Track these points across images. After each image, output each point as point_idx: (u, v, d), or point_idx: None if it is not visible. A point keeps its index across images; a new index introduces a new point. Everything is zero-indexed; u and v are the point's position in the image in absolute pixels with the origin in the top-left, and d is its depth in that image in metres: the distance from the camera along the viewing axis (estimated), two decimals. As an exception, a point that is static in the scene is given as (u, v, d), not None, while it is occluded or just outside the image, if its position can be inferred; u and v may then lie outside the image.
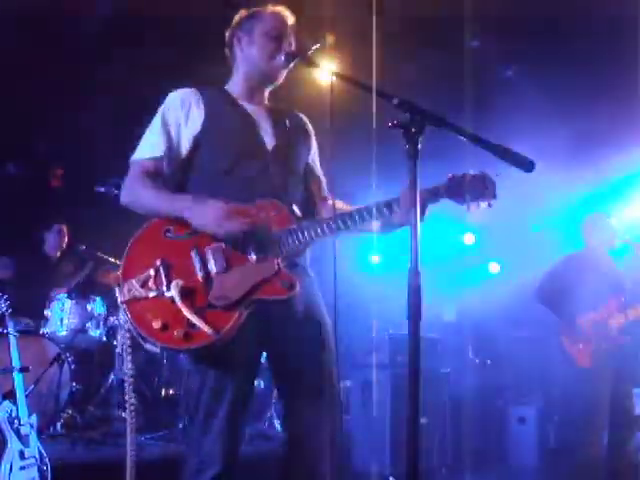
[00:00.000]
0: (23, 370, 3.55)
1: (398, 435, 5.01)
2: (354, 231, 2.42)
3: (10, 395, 3.39)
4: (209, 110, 2.39)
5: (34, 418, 3.45)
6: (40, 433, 3.83)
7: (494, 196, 2.21)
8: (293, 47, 2.44)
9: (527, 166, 1.85)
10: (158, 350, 2.19)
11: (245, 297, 2.17)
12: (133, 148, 2.42)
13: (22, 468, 3.25)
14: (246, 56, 2.48)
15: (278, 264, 2.21)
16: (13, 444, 3.26)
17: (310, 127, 2.63)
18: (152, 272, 2.20)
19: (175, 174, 2.41)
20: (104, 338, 5.45)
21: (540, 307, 5.01)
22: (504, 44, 5.91)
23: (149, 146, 2.38)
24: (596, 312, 4.53)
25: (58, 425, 4.80)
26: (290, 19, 2.49)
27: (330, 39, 5.31)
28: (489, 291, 7.07)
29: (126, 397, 2.36)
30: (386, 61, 5.52)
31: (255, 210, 2.26)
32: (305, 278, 2.32)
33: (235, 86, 2.52)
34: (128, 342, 2.32)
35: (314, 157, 2.62)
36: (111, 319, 5.43)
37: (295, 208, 2.41)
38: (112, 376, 5.33)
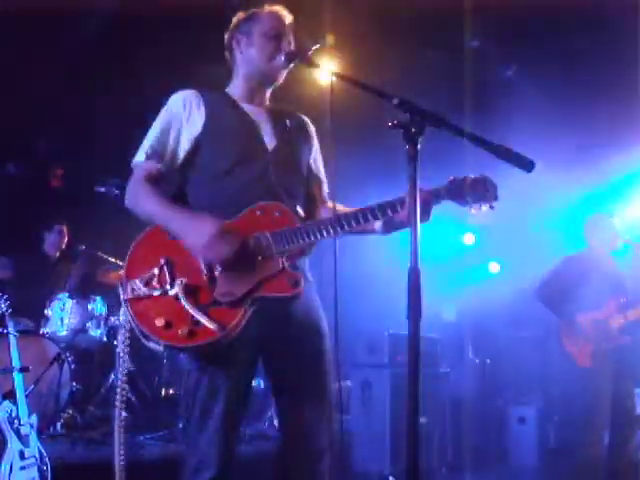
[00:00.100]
0: (23, 370, 3.55)
1: (398, 435, 5.02)
2: (355, 232, 2.42)
3: (10, 395, 3.39)
4: (210, 111, 2.40)
5: (34, 418, 3.45)
6: (40, 433, 3.82)
7: (495, 198, 2.21)
8: (293, 47, 2.44)
9: (527, 166, 1.85)
10: (161, 348, 2.19)
11: (250, 294, 2.17)
12: (133, 148, 2.42)
13: (22, 468, 3.26)
14: (246, 58, 2.47)
15: (283, 262, 2.21)
16: (13, 444, 3.26)
17: (312, 128, 2.63)
18: (156, 271, 2.20)
19: (176, 175, 2.41)
20: (104, 338, 5.45)
21: (540, 307, 5.01)
22: (504, 44, 5.91)
23: (151, 148, 2.38)
24: (595, 312, 4.54)
25: (58, 425, 4.81)
26: (288, 18, 2.49)
27: (330, 39, 5.32)
28: (489, 291, 7.07)
29: (117, 397, 2.35)
30: (386, 61, 5.54)
31: (255, 213, 2.26)
32: (304, 282, 2.32)
33: (236, 88, 2.52)
34: (127, 342, 2.32)
35: (316, 159, 2.62)
36: (111, 319, 5.43)
37: (298, 208, 2.41)
38: (112, 376, 5.33)
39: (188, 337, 2.12)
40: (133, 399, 5.49)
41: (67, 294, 5.44)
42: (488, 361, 7.21)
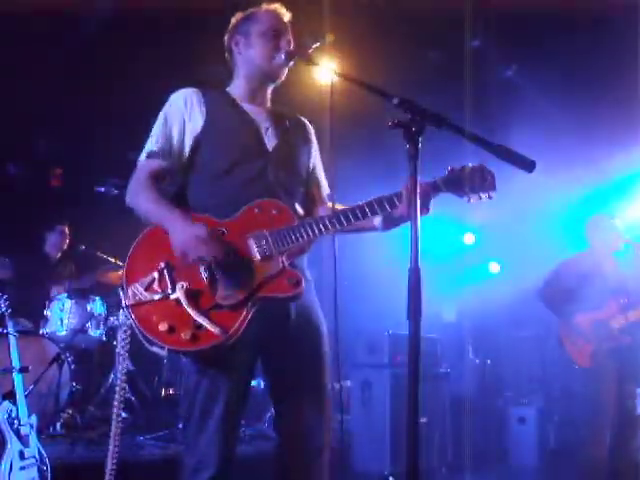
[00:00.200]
0: (23, 370, 3.55)
1: (398, 435, 5.01)
2: (355, 229, 2.42)
3: (10, 395, 3.39)
4: (210, 110, 2.40)
5: (34, 418, 3.44)
6: (40, 433, 3.82)
7: (494, 188, 2.20)
8: (292, 45, 2.44)
9: (528, 166, 1.85)
10: (165, 353, 2.18)
11: (251, 295, 2.16)
12: (133, 148, 2.42)
13: (22, 468, 3.25)
14: (245, 58, 2.47)
15: (283, 262, 2.21)
16: (13, 444, 3.25)
17: (311, 130, 2.63)
18: (156, 275, 2.20)
19: (177, 174, 2.41)
20: (104, 338, 5.45)
21: (540, 307, 5.01)
22: (504, 44, 5.91)
23: (154, 147, 2.38)
24: (595, 312, 4.53)
25: (58, 425, 4.81)
26: (286, 16, 2.48)
27: (330, 38, 5.31)
28: (489, 291, 7.07)
29: (114, 402, 2.35)
30: (386, 61, 5.54)
31: (253, 210, 2.26)
32: (304, 282, 2.32)
33: (236, 88, 2.51)
34: (127, 340, 2.32)
35: (315, 161, 2.62)
36: (111, 319, 5.43)
37: (297, 206, 2.41)
38: (112, 376, 5.33)
39: (191, 341, 2.12)
40: (133, 399, 5.50)
41: (66, 294, 5.44)
42: (488, 361, 7.22)
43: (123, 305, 2.20)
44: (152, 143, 2.38)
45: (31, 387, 4.42)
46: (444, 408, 5.58)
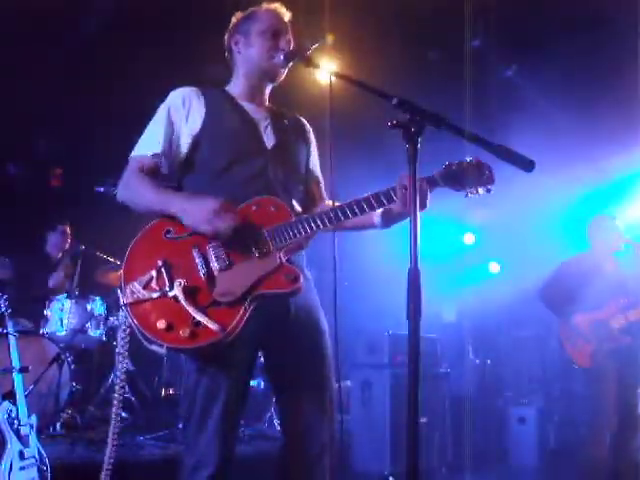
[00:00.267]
0: (23, 370, 3.55)
1: (398, 435, 5.01)
2: (354, 226, 2.43)
3: (10, 395, 3.39)
4: (209, 109, 2.40)
5: (34, 418, 3.44)
6: (40, 433, 3.82)
7: (492, 181, 2.21)
8: (292, 46, 2.44)
9: (527, 166, 1.85)
10: (164, 351, 2.20)
11: (249, 292, 2.16)
12: (132, 148, 2.42)
13: (22, 468, 3.25)
14: (245, 57, 2.48)
15: (280, 258, 2.21)
16: (13, 444, 3.25)
17: (309, 129, 2.64)
18: (154, 273, 2.20)
19: (175, 172, 2.41)
20: (104, 338, 5.45)
21: (540, 307, 5.01)
22: (504, 44, 5.91)
23: (148, 143, 2.38)
24: (595, 312, 4.54)
25: (58, 425, 4.81)
26: (286, 15, 2.49)
27: (330, 39, 5.31)
28: (489, 291, 7.07)
29: (114, 403, 2.35)
30: (386, 61, 5.54)
31: (251, 208, 2.26)
32: (303, 279, 2.32)
33: (235, 87, 2.52)
34: (126, 339, 2.32)
35: (314, 160, 2.63)
36: (111, 319, 5.43)
37: (295, 203, 2.41)
38: (112, 376, 5.33)
39: (190, 338, 2.12)
40: (133, 399, 5.50)
41: (66, 294, 5.44)
42: (488, 361, 7.22)
43: (122, 304, 2.20)
44: (146, 140, 2.39)
45: (31, 387, 4.42)
46: (444, 408, 5.58)
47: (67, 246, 6.02)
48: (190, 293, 2.16)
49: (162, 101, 2.44)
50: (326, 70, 2.30)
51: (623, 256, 4.72)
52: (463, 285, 7.53)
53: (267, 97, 2.56)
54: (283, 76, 2.49)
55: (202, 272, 2.18)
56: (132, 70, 5.58)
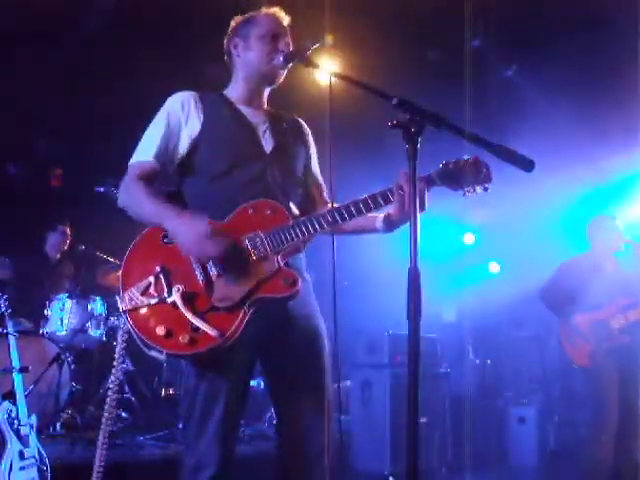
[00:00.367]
0: (23, 370, 3.55)
1: (398, 435, 5.02)
2: (354, 229, 2.42)
3: (10, 395, 3.39)
4: (208, 113, 2.40)
5: (34, 418, 3.44)
6: (40, 433, 3.82)
7: (489, 180, 2.20)
8: (291, 47, 2.44)
9: (527, 166, 1.85)
10: (164, 357, 2.20)
11: (248, 296, 2.16)
12: (133, 149, 2.42)
13: (22, 468, 3.25)
14: (244, 60, 2.47)
15: (278, 262, 2.21)
16: (13, 444, 3.26)
17: (308, 131, 2.64)
18: (152, 279, 2.20)
19: (174, 176, 2.41)
20: (104, 338, 5.45)
21: (540, 307, 5.01)
22: (504, 44, 5.91)
23: (148, 148, 2.37)
24: (595, 312, 4.54)
25: (58, 425, 4.81)
26: (285, 19, 2.49)
27: (329, 39, 5.31)
28: (489, 291, 7.08)
29: (105, 407, 2.34)
30: (386, 61, 5.54)
31: (247, 211, 2.26)
32: (301, 282, 2.31)
33: (234, 91, 2.52)
34: (125, 337, 2.32)
35: (314, 163, 2.63)
36: (111, 319, 5.43)
37: (292, 206, 2.41)
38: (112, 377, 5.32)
39: (189, 344, 2.12)
40: (133, 399, 5.50)
41: (66, 294, 5.44)
42: (488, 361, 7.22)
43: (120, 310, 2.20)
44: (145, 145, 2.38)
45: (31, 387, 4.42)
46: (444, 408, 5.58)
47: (66, 247, 6.02)
48: (188, 299, 2.16)
49: (162, 101, 2.44)
50: (326, 70, 2.30)
51: (623, 256, 4.73)
52: (463, 285, 7.53)
53: (266, 100, 2.55)
54: (282, 79, 2.49)
55: (200, 278, 2.18)
56: (132, 70, 5.58)
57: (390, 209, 2.29)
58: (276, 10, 2.50)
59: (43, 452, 3.42)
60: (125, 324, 2.22)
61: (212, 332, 2.10)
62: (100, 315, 5.42)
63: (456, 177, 2.20)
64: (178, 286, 2.17)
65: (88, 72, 5.78)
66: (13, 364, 3.53)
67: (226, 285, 2.17)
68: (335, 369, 2.35)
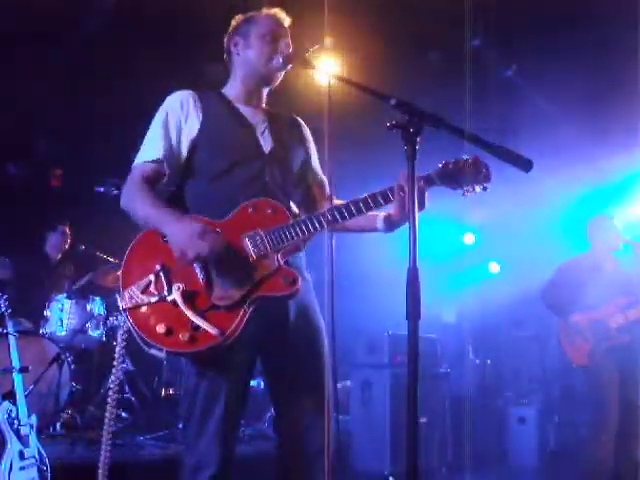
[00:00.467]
0: (23, 370, 3.55)
1: (398, 435, 5.02)
2: (354, 229, 2.42)
3: (10, 395, 3.39)
4: (206, 113, 2.40)
5: (34, 418, 3.45)
6: (40, 433, 3.83)
7: (489, 179, 2.20)
8: (291, 49, 2.44)
9: (526, 166, 1.85)
10: (164, 355, 2.20)
11: (248, 295, 2.16)
12: (133, 148, 2.42)
13: (22, 468, 3.25)
14: (243, 59, 2.48)
15: (278, 260, 2.21)
16: (13, 444, 3.26)
17: (307, 130, 2.64)
18: (152, 277, 2.20)
19: (174, 177, 2.41)
20: (104, 338, 5.45)
21: (540, 307, 5.02)
22: (504, 44, 5.91)
23: (149, 150, 2.37)
24: (594, 311, 4.54)
25: (58, 425, 4.81)
26: (286, 20, 2.50)
27: (329, 41, 5.31)
28: (489, 291, 7.08)
29: (107, 408, 2.34)
30: (386, 62, 5.54)
31: (247, 210, 2.26)
32: (301, 280, 2.32)
33: (232, 89, 2.52)
34: (124, 336, 2.32)
35: (314, 160, 2.63)
36: (111, 319, 5.43)
37: (292, 205, 2.41)
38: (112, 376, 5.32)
39: (190, 342, 2.12)
40: (133, 399, 5.50)
41: (66, 294, 5.44)
42: (488, 361, 7.22)
43: (120, 308, 2.20)
44: (148, 146, 2.38)
45: (31, 387, 4.42)
46: (444, 408, 5.59)
47: (66, 247, 6.01)
48: (189, 297, 2.16)
49: (162, 101, 2.44)
50: (325, 72, 2.31)
51: (623, 255, 4.73)
52: (463, 285, 7.53)
53: (264, 99, 2.55)
54: (279, 80, 2.49)
55: (200, 276, 2.18)
56: (132, 70, 5.58)
57: (391, 209, 2.29)
58: (277, 11, 2.50)
59: (43, 452, 3.42)
60: (125, 323, 2.22)
61: (212, 330, 2.10)
62: (100, 315, 5.42)
63: (455, 177, 2.20)
64: (178, 284, 2.17)
65: (88, 72, 5.77)
66: (13, 364, 3.53)
67: (226, 284, 2.17)
68: (333, 369, 2.35)
